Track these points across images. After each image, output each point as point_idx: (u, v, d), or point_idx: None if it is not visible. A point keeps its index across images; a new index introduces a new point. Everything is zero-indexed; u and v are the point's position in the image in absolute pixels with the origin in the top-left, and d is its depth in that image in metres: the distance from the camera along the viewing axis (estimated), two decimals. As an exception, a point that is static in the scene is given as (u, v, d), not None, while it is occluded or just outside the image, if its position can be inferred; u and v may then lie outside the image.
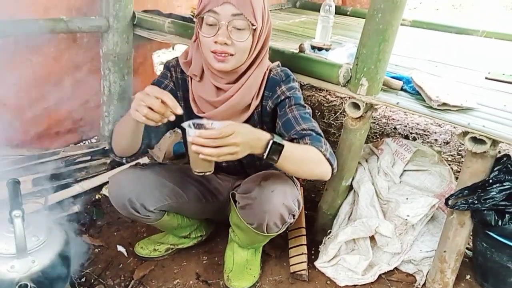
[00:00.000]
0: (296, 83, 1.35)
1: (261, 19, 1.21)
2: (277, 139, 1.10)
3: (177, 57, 1.38)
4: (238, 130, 1.02)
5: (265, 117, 1.35)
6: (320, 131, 1.26)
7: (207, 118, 1.22)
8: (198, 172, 1.09)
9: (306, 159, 1.19)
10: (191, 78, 1.33)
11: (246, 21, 1.16)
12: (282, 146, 1.10)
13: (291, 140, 1.23)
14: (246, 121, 1.31)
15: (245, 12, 1.15)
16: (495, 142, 1.27)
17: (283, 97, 1.30)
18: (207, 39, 1.19)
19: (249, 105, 1.31)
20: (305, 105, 1.31)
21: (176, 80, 1.37)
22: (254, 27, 1.18)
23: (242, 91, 1.28)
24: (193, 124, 1.06)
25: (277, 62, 1.38)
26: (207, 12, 1.16)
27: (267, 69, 1.32)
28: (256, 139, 1.08)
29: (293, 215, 1.31)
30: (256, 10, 1.17)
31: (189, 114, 1.38)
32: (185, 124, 1.05)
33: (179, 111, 1.04)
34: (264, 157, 1.10)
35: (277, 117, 1.31)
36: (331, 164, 1.22)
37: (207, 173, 1.10)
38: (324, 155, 1.20)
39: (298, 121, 1.26)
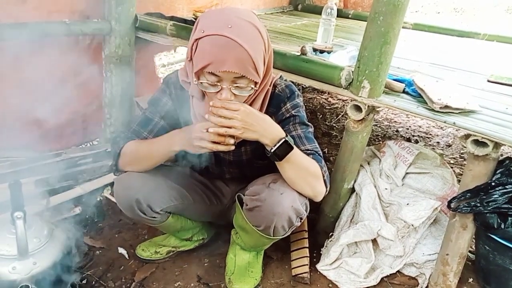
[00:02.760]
0: (300, 99, 1.34)
1: (263, 65, 1.14)
2: (290, 140, 1.15)
3: (177, 72, 1.33)
4: (246, 110, 1.09)
5: None
6: (321, 153, 1.29)
7: None
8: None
9: (307, 170, 1.22)
10: (192, 96, 1.31)
11: (249, 81, 1.11)
12: (291, 148, 1.15)
13: None
14: None
15: (247, 73, 1.08)
16: (497, 145, 1.26)
17: (287, 115, 1.30)
18: (210, 93, 1.15)
19: None
20: (309, 124, 1.33)
21: (176, 96, 1.34)
22: (257, 85, 1.15)
23: None
24: None
25: (279, 75, 1.36)
26: (207, 73, 1.10)
27: (271, 85, 1.30)
28: (267, 128, 1.13)
29: (301, 218, 1.31)
30: (258, 64, 1.10)
31: None
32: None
33: None
34: (272, 150, 1.14)
35: None
36: (326, 186, 1.26)
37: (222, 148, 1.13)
38: (323, 175, 1.24)
39: (303, 140, 1.28)
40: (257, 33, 1.11)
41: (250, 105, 1.24)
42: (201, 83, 1.12)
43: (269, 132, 1.14)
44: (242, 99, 1.17)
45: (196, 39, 1.10)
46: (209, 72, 1.09)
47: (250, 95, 1.18)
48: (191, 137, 1.14)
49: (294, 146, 1.17)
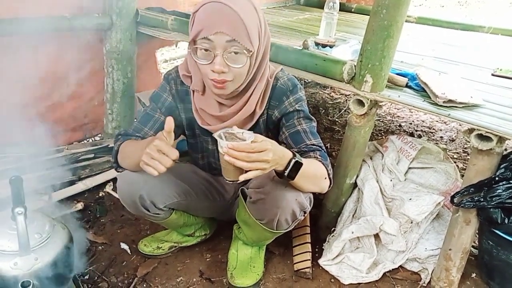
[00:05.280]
0: (303, 92, 1.33)
1: (258, 39, 1.14)
2: (298, 157, 1.12)
3: (177, 68, 1.33)
4: (270, 148, 1.03)
5: (270, 125, 1.34)
6: (324, 148, 1.28)
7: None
8: (229, 180, 1.09)
9: (316, 175, 1.21)
10: (193, 90, 1.30)
11: (242, 47, 1.10)
12: (301, 164, 1.12)
13: (300, 152, 1.23)
14: (251, 129, 1.30)
15: (239, 38, 1.09)
16: (501, 139, 1.25)
17: (291, 109, 1.29)
18: (204, 66, 1.15)
19: (253, 113, 1.29)
20: (312, 118, 1.32)
21: (176, 92, 1.34)
22: (250, 53, 1.13)
23: (246, 108, 1.26)
24: (223, 133, 1.06)
25: (281, 67, 1.34)
26: (200, 40, 1.10)
27: (272, 77, 1.29)
28: (282, 157, 1.09)
29: (304, 212, 1.30)
30: (251, 32, 1.10)
31: (191, 125, 1.37)
32: (216, 135, 1.05)
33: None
34: (286, 174, 1.10)
35: (282, 126, 1.31)
36: (330, 181, 1.26)
37: (238, 182, 1.07)
38: (328, 173, 1.23)
39: (308, 135, 1.27)
40: (251, 7, 1.13)
41: (250, 98, 1.23)
42: (196, 54, 1.14)
43: (282, 159, 1.09)
44: (238, 75, 1.15)
45: (193, 13, 1.13)
46: (202, 39, 1.10)
47: (247, 71, 1.16)
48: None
49: (302, 160, 1.13)
